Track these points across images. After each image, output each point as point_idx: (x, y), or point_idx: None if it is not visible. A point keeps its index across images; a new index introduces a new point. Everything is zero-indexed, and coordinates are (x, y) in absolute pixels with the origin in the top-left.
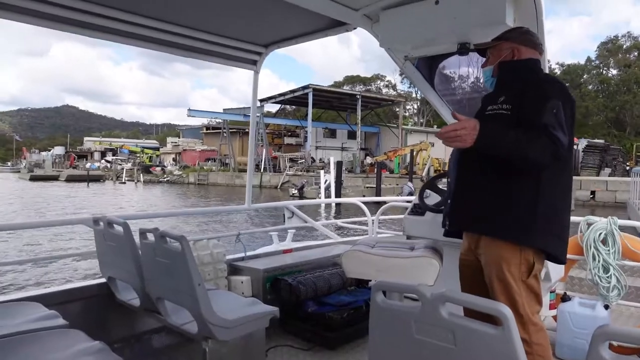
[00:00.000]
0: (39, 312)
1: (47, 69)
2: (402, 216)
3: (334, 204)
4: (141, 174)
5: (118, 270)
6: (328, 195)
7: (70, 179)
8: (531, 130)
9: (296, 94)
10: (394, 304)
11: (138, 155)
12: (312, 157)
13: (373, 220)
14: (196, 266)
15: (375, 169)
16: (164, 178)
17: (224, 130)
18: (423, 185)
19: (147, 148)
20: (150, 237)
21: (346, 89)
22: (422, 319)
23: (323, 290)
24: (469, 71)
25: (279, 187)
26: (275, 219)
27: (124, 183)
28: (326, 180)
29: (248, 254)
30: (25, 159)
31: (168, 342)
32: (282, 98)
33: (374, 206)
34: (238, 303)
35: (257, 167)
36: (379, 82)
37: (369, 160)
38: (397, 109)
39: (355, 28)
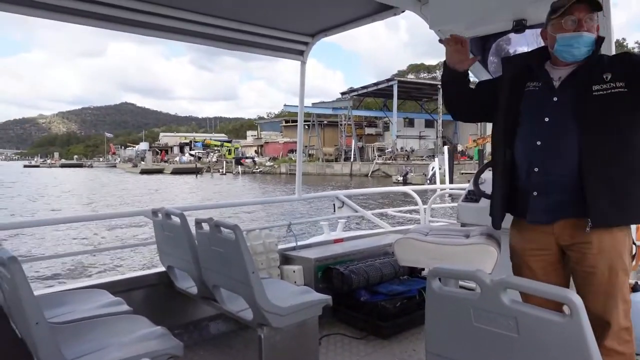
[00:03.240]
0: (106, 299)
1: (104, 68)
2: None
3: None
4: (239, 167)
5: (176, 260)
6: (434, 182)
7: (176, 172)
8: None
9: (380, 86)
10: (451, 290)
11: (217, 148)
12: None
13: (425, 208)
14: (250, 255)
15: (466, 156)
16: (257, 169)
17: (313, 123)
18: (478, 171)
19: (217, 140)
20: (206, 227)
21: (410, 77)
22: (482, 306)
23: (375, 279)
24: (525, 49)
25: (369, 175)
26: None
27: (225, 174)
28: (433, 168)
29: (299, 243)
30: (114, 154)
31: (224, 328)
32: (364, 91)
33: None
34: (291, 291)
35: (347, 157)
36: None
37: (460, 147)
38: None
39: (403, 11)
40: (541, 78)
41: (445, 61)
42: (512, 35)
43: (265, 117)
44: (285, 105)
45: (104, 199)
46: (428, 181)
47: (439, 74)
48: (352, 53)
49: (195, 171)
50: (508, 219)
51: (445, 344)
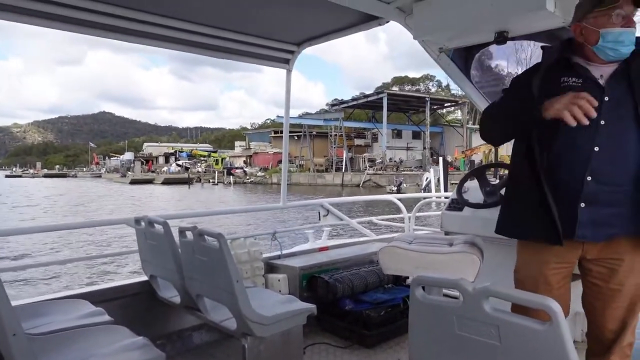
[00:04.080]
0: (86, 309)
1: (82, 77)
2: (439, 212)
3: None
4: (230, 177)
5: (159, 269)
6: (428, 191)
7: (167, 182)
8: None
9: (370, 98)
10: (434, 299)
11: (204, 158)
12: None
13: (410, 217)
14: (234, 263)
15: (454, 167)
16: (247, 179)
17: (304, 133)
18: (461, 179)
19: (204, 151)
20: (189, 235)
21: (394, 89)
22: (465, 314)
23: (360, 288)
24: (507, 60)
25: (360, 185)
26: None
27: (217, 184)
28: (427, 178)
29: (284, 252)
30: (97, 164)
31: (208, 338)
32: (354, 103)
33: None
34: (275, 300)
35: (338, 168)
36: (428, 82)
37: (449, 158)
38: (458, 109)
39: (388, 22)
40: (583, 74)
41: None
42: (494, 47)
43: (249, 127)
44: (277, 116)
45: (119, 208)
46: (422, 191)
47: (422, 86)
48: (334, 65)
49: (188, 181)
50: (489, 227)
51: (429, 352)
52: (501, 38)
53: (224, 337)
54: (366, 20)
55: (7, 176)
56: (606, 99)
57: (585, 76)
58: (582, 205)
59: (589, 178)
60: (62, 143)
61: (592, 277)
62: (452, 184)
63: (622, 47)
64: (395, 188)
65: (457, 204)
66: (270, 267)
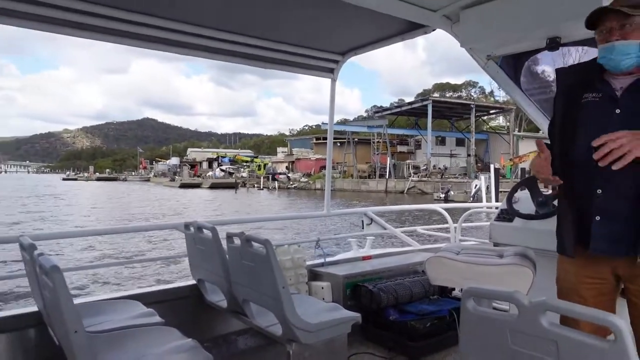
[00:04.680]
0: (139, 310)
1: (127, 85)
2: (487, 223)
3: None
4: (275, 182)
5: (207, 273)
6: (477, 200)
7: (214, 186)
8: None
9: (414, 105)
10: (487, 311)
11: (246, 163)
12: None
13: (455, 227)
14: (280, 270)
15: (501, 176)
16: (291, 185)
17: (348, 140)
18: (512, 189)
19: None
20: (237, 241)
21: (436, 95)
22: (520, 329)
23: (404, 298)
24: (553, 66)
25: (405, 192)
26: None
27: (262, 189)
28: (476, 185)
29: (327, 260)
30: (145, 168)
31: (253, 343)
32: (398, 110)
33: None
34: (320, 308)
35: (381, 174)
36: (470, 88)
37: (497, 165)
38: (507, 116)
39: (434, 30)
40: (602, 89)
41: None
42: (545, 53)
43: (287, 133)
44: (322, 122)
45: (198, 212)
46: (471, 199)
47: (464, 92)
48: (370, 72)
49: (235, 186)
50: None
51: None
52: (554, 44)
53: (268, 343)
54: (412, 28)
55: (64, 179)
56: (617, 111)
57: (603, 91)
58: (597, 218)
59: (599, 191)
60: (108, 148)
61: (631, 294)
62: (501, 192)
63: (612, 61)
64: (443, 195)
65: (506, 215)
66: (314, 275)
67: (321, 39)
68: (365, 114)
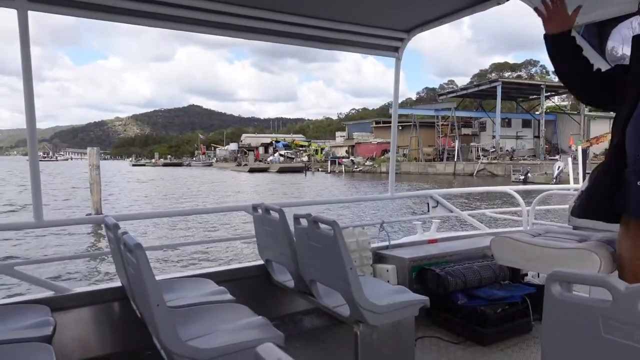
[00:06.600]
0: (211, 288)
1: (173, 72)
2: (563, 206)
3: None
4: (342, 166)
5: (274, 254)
6: (561, 182)
7: (282, 170)
8: None
9: (482, 87)
10: (576, 296)
11: (303, 148)
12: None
13: (528, 210)
14: (347, 251)
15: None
16: (356, 168)
17: (414, 123)
18: (592, 170)
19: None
20: (304, 222)
21: (493, 75)
22: (614, 316)
23: (473, 282)
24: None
25: (474, 174)
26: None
27: (330, 173)
28: (559, 167)
29: (392, 242)
30: (204, 154)
31: (319, 323)
32: (464, 92)
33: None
34: (387, 290)
35: (449, 157)
36: (530, 67)
37: (573, 147)
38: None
39: (507, 0)
40: None
41: (545, 35)
42: (635, 19)
43: (334, 117)
44: (387, 103)
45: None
46: (554, 180)
47: (524, 72)
48: (413, 52)
49: (304, 170)
50: None
51: (567, 355)
52: None
53: (335, 324)
54: (482, 0)
55: (133, 165)
56: None
57: None
58: (639, 183)
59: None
60: (158, 134)
61: None
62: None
63: None
64: (523, 177)
65: None
66: (379, 257)
67: (385, 16)
68: (415, 96)
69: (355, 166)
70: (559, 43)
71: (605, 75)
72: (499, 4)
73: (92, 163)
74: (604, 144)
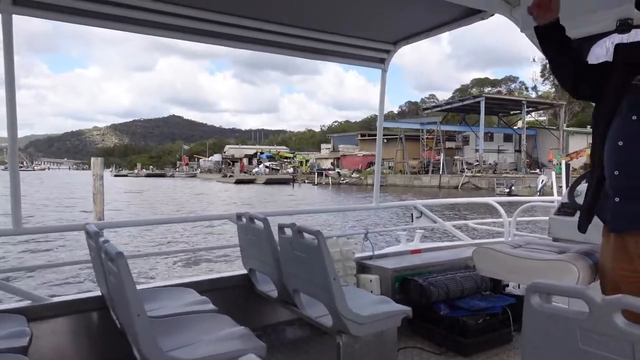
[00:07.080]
0: (193, 297)
1: (153, 82)
2: (543, 218)
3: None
4: (329, 178)
5: (258, 263)
6: (544, 195)
7: (269, 182)
8: None
9: (466, 102)
10: (554, 308)
11: (287, 160)
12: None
13: (510, 221)
14: (332, 261)
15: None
16: (342, 180)
17: (401, 137)
18: (574, 182)
19: (288, 153)
20: (288, 232)
21: (474, 90)
22: (591, 328)
23: (455, 293)
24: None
25: (459, 187)
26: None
27: (317, 185)
28: (542, 180)
29: (376, 253)
30: (187, 165)
31: (302, 333)
32: (449, 107)
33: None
34: (370, 300)
35: (430, 170)
36: (510, 83)
37: (555, 162)
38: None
39: (492, 15)
40: None
41: (536, 27)
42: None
43: (316, 129)
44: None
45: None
46: (537, 194)
47: (504, 88)
48: (393, 66)
49: (291, 182)
50: None
51: None
52: (625, 26)
53: (317, 334)
54: (468, 14)
55: (115, 175)
56: None
57: None
58: (617, 199)
59: (616, 172)
60: (137, 145)
61: None
62: (560, 187)
63: None
64: (507, 190)
65: (567, 209)
66: (362, 268)
67: (373, 28)
68: (397, 110)
69: (342, 178)
70: (548, 35)
71: (595, 68)
72: (483, 19)
73: (96, 173)
74: (583, 159)
